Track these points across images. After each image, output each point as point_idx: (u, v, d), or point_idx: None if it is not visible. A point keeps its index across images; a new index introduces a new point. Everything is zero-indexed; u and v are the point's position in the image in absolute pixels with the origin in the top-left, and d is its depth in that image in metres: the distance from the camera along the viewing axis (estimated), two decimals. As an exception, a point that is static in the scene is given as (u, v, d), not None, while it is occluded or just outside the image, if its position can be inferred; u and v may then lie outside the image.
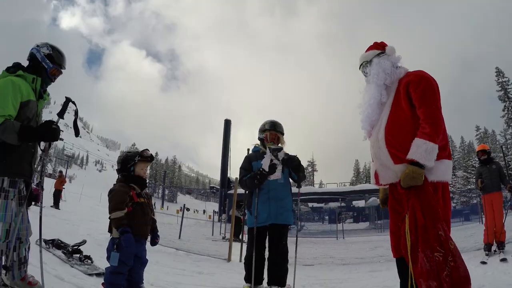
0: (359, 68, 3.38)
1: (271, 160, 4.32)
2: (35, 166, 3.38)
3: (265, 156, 4.38)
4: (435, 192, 2.69)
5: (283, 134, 4.74)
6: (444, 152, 2.75)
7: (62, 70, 3.56)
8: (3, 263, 3.20)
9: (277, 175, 4.38)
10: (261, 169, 4.33)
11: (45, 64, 3.37)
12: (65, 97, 3.35)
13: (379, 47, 3.25)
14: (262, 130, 4.73)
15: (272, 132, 4.65)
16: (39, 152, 3.44)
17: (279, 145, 4.60)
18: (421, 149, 2.59)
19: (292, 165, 4.46)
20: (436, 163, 2.66)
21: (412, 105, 2.80)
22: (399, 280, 2.90)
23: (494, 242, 7.47)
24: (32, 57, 3.39)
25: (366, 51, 3.32)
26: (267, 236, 4.42)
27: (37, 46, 3.42)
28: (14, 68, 3.26)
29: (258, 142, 4.81)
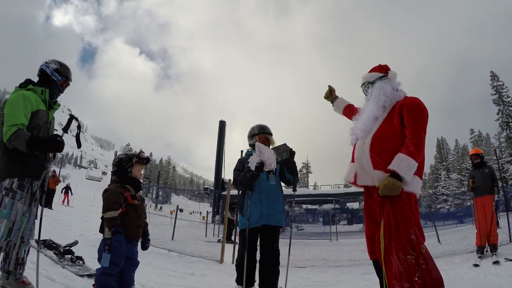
0: (361, 86, 3.60)
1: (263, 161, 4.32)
2: (48, 166, 3.59)
3: (253, 154, 4.37)
4: (409, 200, 2.89)
5: (271, 135, 4.81)
6: (418, 171, 2.96)
7: (69, 82, 3.87)
8: (6, 267, 3.38)
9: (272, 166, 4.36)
10: (249, 168, 4.31)
11: (55, 77, 3.69)
12: (69, 114, 3.56)
13: (382, 70, 3.47)
14: (251, 136, 4.82)
15: (261, 135, 4.73)
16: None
17: (269, 146, 4.67)
18: (404, 164, 2.83)
19: (291, 168, 4.53)
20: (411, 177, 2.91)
21: (403, 125, 3.04)
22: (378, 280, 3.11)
23: (487, 245, 7.51)
24: (41, 72, 3.70)
25: (369, 72, 3.56)
26: (259, 238, 4.43)
27: (46, 62, 3.73)
28: (25, 84, 3.58)
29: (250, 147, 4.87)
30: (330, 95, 4.16)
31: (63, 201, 23.94)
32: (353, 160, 3.33)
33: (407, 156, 2.83)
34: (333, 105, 4.13)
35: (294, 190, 4.85)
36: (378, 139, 3.09)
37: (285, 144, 4.51)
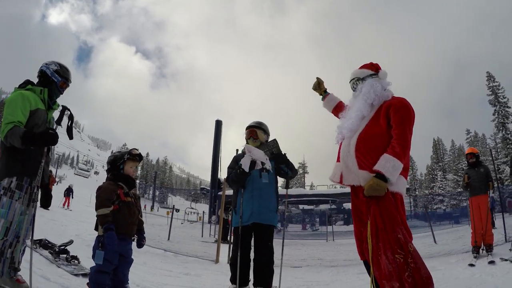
0: (349, 82, 3.58)
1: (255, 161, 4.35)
2: (43, 160, 3.58)
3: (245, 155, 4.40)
4: (394, 200, 2.90)
5: (261, 129, 4.84)
6: (404, 172, 2.95)
7: (69, 84, 3.93)
8: (12, 265, 3.43)
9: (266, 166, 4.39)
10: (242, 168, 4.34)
11: (55, 78, 3.76)
12: (61, 105, 3.67)
13: (373, 68, 3.46)
14: (245, 131, 4.88)
15: (249, 129, 4.82)
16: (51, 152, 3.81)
17: (258, 140, 4.75)
18: (389, 164, 2.82)
19: (283, 161, 4.53)
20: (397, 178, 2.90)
21: (389, 125, 3.05)
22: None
23: (482, 245, 7.56)
24: (41, 73, 3.76)
25: (360, 68, 3.54)
26: (253, 237, 4.44)
27: (46, 64, 3.80)
28: (24, 84, 3.66)
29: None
30: (319, 87, 4.13)
31: (64, 204, 23.16)
32: (338, 160, 3.33)
33: (392, 157, 2.84)
34: (322, 100, 4.11)
35: (286, 187, 4.85)
36: (363, 139, 3.09)
37: (274, 139, 4.54)
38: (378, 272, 2.73)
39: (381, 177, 2.81)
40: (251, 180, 4.43)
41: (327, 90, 4.13)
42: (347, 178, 3.17)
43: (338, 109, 3.91)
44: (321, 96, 4.13)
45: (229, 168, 4.72)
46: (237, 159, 4.67)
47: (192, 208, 30.60)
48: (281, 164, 4.54)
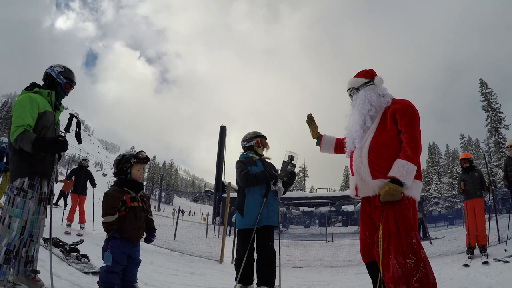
0: (346, 91, 3.56)
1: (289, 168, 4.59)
2: (55, 165, 3.70)
3: (284, 163, 4.60)
4: (409, 205, 2.91)
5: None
6: (417, 173, 2.95)
7: (74, 85, 4.03)
8: (34, 268, 3.59)
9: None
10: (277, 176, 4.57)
11: (60, 80, 3.85)
12: (69, 113, 3.68)
13: (368, 76, 3.42)
14: (252, 138, 4.91)
15: (262, 138, 4.89)
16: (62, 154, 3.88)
17: (267, 149, 4.91)
18: (403, 169, 2.83)
19: (291, 180, 4.70)
20: (412, 182, 2.92)
21: (398, 130, 3.04)
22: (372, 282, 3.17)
23: (477, 246, 7.71)
24: (47, 75, 3.86)
25: (354, 77, 3.50)
26: (255, 237, 4.53)
27: (51, 67, 3.90)
28: (31, 87, 3.73)
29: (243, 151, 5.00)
30: (312, 122, 4.02)
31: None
32: (353, 173, 3.27)
33: (405, 161, 2.83)
34: (318, 145, 4.01)
35: (275, 186, 4.94)
36: (375, 148, 3.06)
37: (293, 156, 4.65)
38: (386, 275, 2.74)
39: (397, 182, 2.83)
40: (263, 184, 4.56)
41: (319, 131, 4.03)
42: (362, 190, 3.12)
43: (340, 146, 3.86)
44: (316, 141, 4.02)
45: (242, 169, 4.64)
46: (244, 163, 4.72)
47: (193, 215, 30.33)
48: (287, 180, 4.68)
